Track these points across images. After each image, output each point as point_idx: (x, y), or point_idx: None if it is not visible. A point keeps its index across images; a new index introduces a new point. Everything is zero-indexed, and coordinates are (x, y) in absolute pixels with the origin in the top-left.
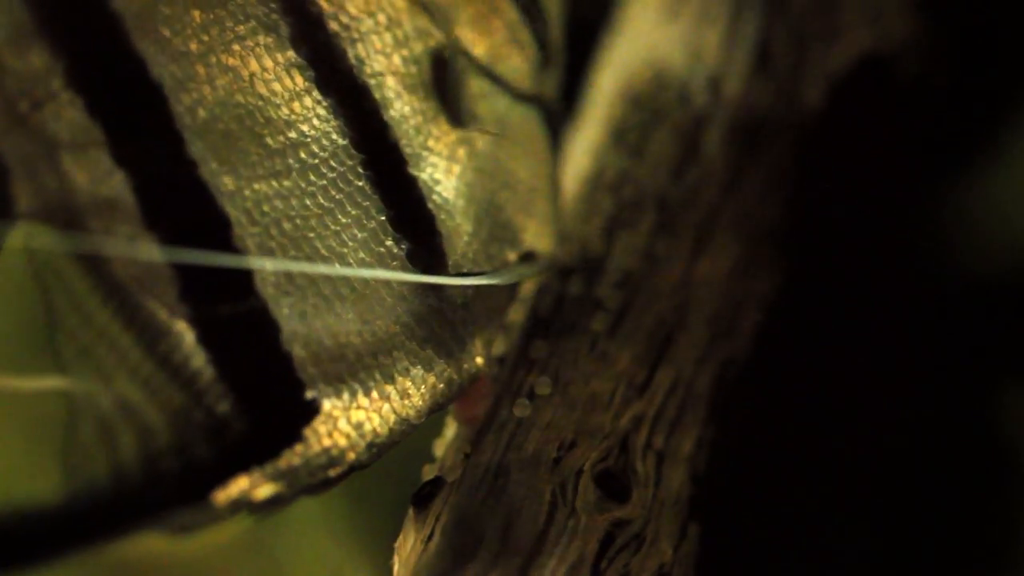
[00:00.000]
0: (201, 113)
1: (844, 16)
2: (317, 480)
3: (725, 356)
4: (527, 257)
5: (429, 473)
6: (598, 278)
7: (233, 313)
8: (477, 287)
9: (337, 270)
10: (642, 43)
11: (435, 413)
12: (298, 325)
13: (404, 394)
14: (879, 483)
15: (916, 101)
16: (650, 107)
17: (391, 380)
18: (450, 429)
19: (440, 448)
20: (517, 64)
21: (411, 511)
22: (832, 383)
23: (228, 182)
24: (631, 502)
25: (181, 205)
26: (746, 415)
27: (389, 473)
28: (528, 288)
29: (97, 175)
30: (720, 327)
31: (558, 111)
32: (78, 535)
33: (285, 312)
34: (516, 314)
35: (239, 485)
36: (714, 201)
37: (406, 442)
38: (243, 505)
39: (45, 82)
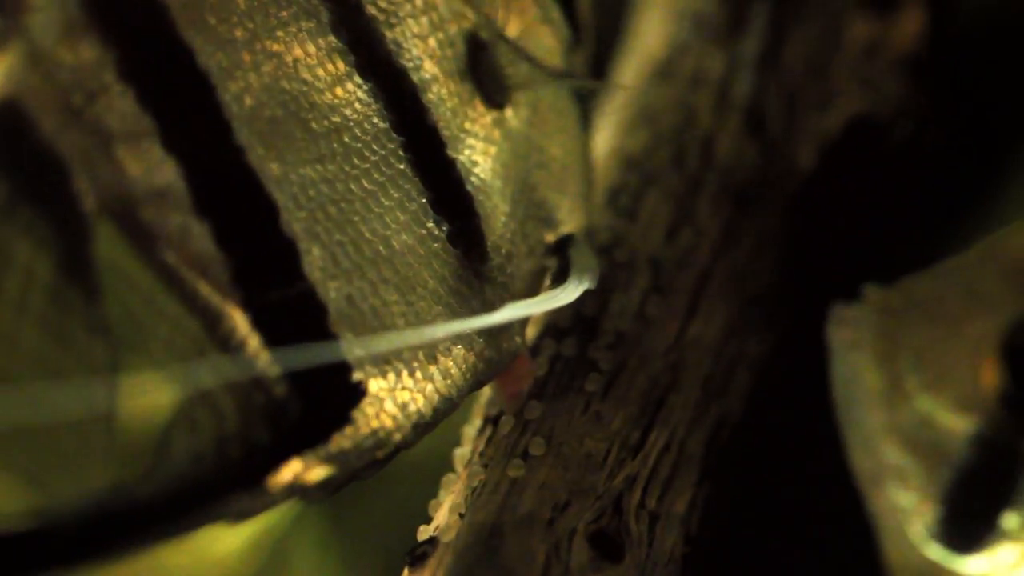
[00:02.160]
0: (247, 100)
1: (836, 78)
2: (365, 462)
3: (718, 417)
4: (564, 241)
5: (424, 533)
6: (592, 339)
7: (283, 296)
8: (513, 263)
9: (425, 333)
10: (635, 104)
11: (475, 391)
12: (345, 307)
13: (446, 374)
14: (875, 543)
15: (908, 163)
16: (643, 169)
17: (434, 360)
18: (444, 491)
19: (435, 508)
20: (549, 43)
21: (406, 571)
22: (825, 443)
23: (274, 168)
24: (625, 562)
25: (230, 192)
26: (739, 475)
27: (384, 533)
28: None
29: (150, 165)
30: (713, 388)
31: (588, 88)
32: (159, 525)
33: (332, 295)
34: None
35: (292, 469)
36: (707, 263)
37: (401, 501)
38: (296, 490)
39: (97, 74)
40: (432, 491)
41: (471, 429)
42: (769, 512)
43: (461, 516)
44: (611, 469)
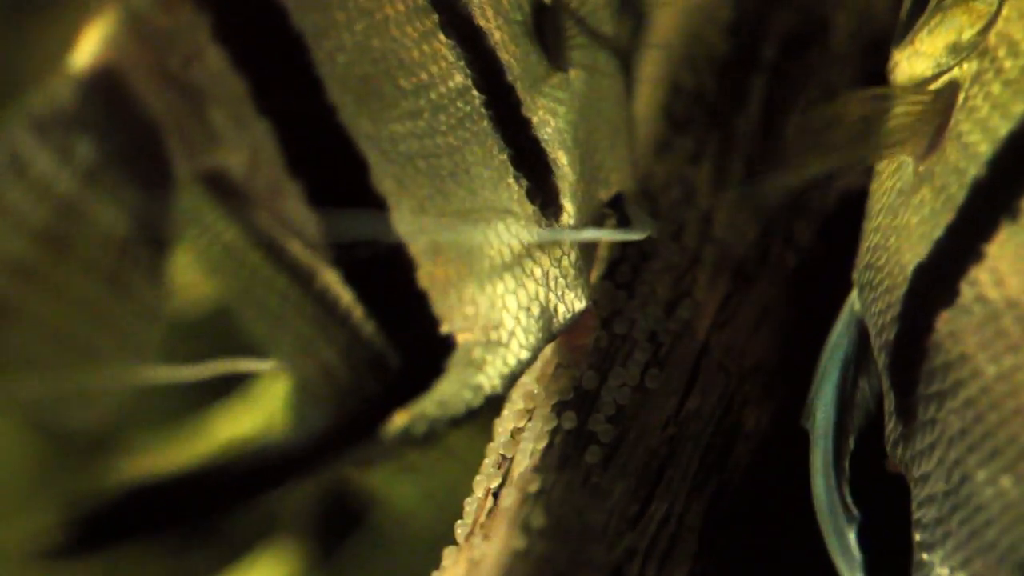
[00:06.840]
0: (340, 59)
1: None
2: (462, 412)
3: (717, 489)
4: (615, 199)
5: None
6: (591, 412)
7: (372, 253)
8: (580, 219)
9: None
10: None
11: (550, 343)
12: (432, 262)
13: (526, 329)
14: None
15: None
16: (642, 243)
17: (513, 314)
18: (445, 562)
19: None
20: (601, 10)
21: None
22: None
23: (366, 125)
24: None
25: (322, 150)
26: (738, 547)
27: None
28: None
29: (242, 126)
30: (712, 460)
31: (632, 55)
32: (304, 467)
33: (420, 250)
34: (514, 451)
35: (400, 420)
36: (705, 336)
37: (403, 572)
38: (406, 440)
39: (192, 37)
40: (434, 562)
41: (472, 501)
42: None
43: None
44: (611, 541)
